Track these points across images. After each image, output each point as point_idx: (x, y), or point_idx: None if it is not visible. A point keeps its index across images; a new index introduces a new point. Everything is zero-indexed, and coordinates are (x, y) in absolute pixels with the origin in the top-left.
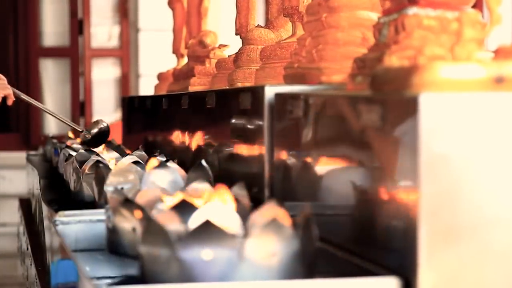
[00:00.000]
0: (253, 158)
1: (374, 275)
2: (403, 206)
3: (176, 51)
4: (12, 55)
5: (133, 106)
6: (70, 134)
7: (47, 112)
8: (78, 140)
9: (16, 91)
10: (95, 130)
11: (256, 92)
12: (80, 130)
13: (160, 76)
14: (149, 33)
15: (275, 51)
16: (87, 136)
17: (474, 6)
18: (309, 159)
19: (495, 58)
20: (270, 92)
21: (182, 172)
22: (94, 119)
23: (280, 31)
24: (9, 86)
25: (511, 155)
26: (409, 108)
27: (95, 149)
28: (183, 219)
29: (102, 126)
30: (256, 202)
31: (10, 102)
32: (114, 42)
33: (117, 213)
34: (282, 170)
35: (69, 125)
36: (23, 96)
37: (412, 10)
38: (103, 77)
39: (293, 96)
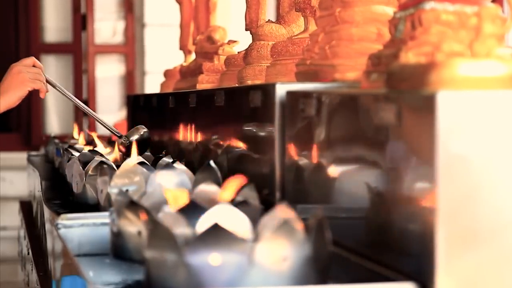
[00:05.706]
0: (264, 159)
1: (389, 281)
2: (420, 208)
3: (183, 47)
4: (13, 51)
5: (138, 105)
6: (75, 134)
7: (88, 113)
8: (119, 147)
9: (53, 82)
10: (135, 137)
11: (267, 90)
12: (119, 135)
13: (167, 73)
14: (155, 28)
15: (286, 47)
16: (124, 142)
17: (494, 1)
18: (321, 160)
19: None
20: (281, 90)
21: (190, 173)
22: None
23: (292, 27)
24: (42, 78)
25: None
26: (426, 106)
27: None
28: (190, 222)
29: (142, 132)
30: (267, 204)
31: (42, 95)
32: (118, 38)
33: (122, 216)
34: (294, 171)
35: (109, 129)
36: (60, 90)
37: (430, 5)
38: (107, 74)
39: (305, 94)
